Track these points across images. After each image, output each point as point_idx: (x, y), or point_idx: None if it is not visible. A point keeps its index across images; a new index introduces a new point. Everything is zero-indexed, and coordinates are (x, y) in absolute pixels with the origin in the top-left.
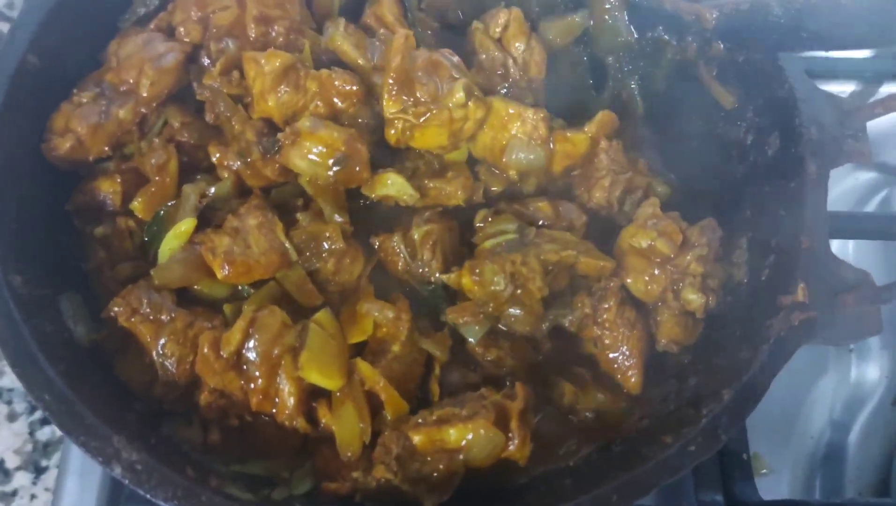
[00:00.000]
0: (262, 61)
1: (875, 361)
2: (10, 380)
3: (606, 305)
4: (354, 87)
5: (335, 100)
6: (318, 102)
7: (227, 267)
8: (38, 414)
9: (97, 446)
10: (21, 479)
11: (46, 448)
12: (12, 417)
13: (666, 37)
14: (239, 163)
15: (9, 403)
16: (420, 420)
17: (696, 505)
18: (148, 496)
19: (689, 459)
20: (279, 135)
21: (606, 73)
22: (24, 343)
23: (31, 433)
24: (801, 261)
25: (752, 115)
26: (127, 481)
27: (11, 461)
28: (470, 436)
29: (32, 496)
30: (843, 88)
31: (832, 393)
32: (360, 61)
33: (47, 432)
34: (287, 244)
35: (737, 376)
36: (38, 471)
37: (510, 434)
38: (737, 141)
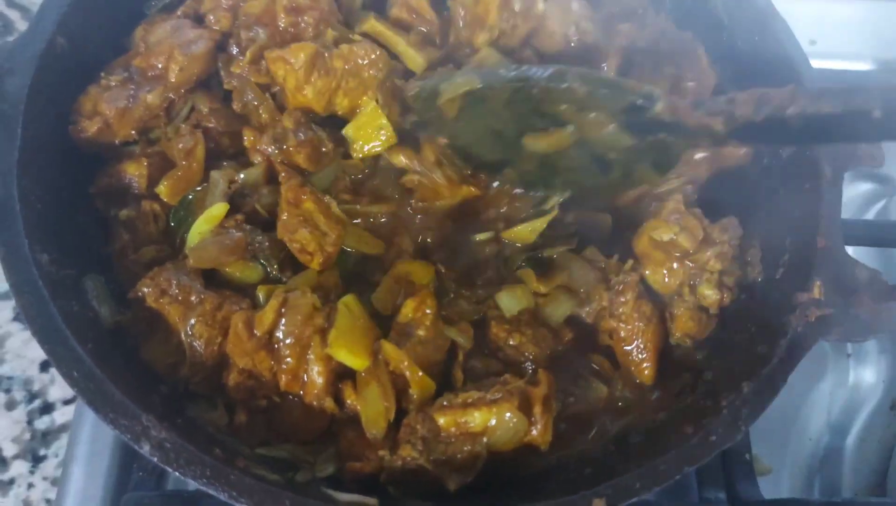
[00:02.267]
0: (290, 58)
1: (873, 365)
2: (10, 368)
3: (623, 299)
4: (377, 52)
5: (363, 72)
6: (348, 80)
7: (323, 262)
8: (36, 403)
9: (126, 424)
10: (19, 467)
11: (45, 437)
12: (11, 405)
13: (672, 140)
14: (272, 148)
15: (7, 391)
16: (445, 403)
17: (700, 502)
18: (177, 474)
19: (709, 448)
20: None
21: (611, 165)
22: (52, 321)
23: (30, 422)
24: (816, 260)
25: None
26: (156, 460)
27: (9, 450)
28: (494, 420)
29: (30, 485)
30: None
31: (830, 397)
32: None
33: (46, 421)
34: (344, 217)
35: (755, 370)
36: (37, 460)
37: (533, 419)
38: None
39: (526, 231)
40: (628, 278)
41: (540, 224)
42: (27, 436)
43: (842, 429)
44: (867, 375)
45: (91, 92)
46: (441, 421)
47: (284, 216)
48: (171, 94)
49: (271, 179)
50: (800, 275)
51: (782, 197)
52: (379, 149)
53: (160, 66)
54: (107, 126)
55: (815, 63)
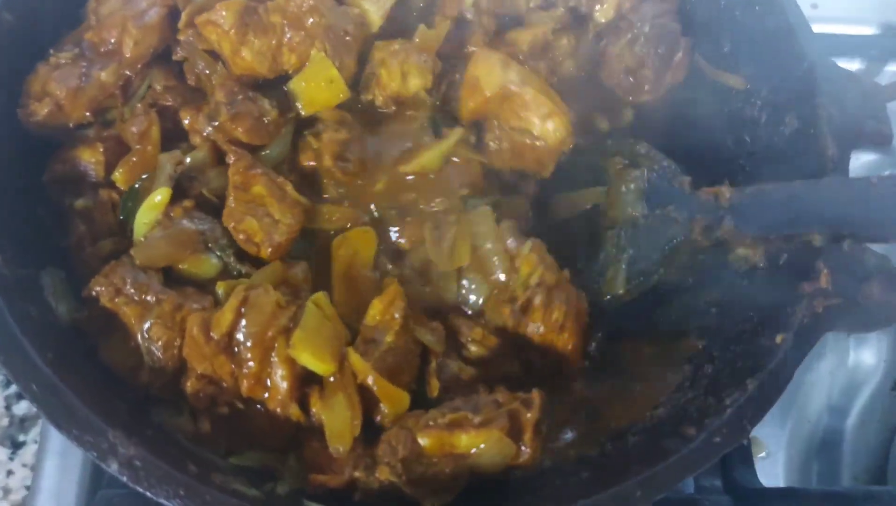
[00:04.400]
0: (219, 20)
1: (873, 346)
2: None
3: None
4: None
5: (304, 21)
6: (290, 34)
7: (272, 252)
8: (13, 388)
9: (91, 441)
10: None
11: (24, 423)
12: None
13: (675, 215)
14: (208, 127)
15: None
16: (430, 422)
17: (695, 490)
18: (148, 495)
19: (714, 451)
20: None
21: (600, 247)
22: (7, 328)
23: (8, 407)
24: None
25: (767, 93)
26: (125, 479)
27: None
28: (482, 445)
29: (9, 472)
30: (848, 66)
31: (830, 378)
32: None
33: (24, 407)
34: (303, 199)
35: (759, 365)
36: (16, 446)
37: (523, 447)
38: (751, 120)
39: (433, 156)
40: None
41: (446, 145)
42: (5, 422)
43: (841, 410)
44: (867, 355)
45: (40, 71)
46: (424, 442)
47: (231, 202)
48: (126, 71)
49: (222, 159)
50: (805, 262)
51: (786, 177)
52: (330, 104)
53: (113, 40)
54: (58, 108)
55: (817, 27)
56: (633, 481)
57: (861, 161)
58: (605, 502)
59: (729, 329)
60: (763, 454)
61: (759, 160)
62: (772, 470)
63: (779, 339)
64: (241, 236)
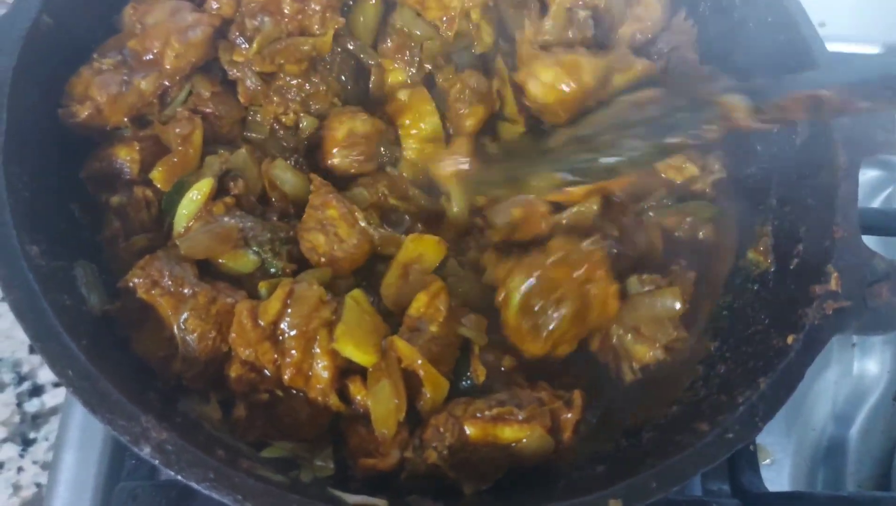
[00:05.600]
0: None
1: (877, 355)
2: None
3: None
4: None
5: None
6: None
7: (325, 262)
8: (25, 385)
9: (124, 425)
10: (8, 451)
11: (35, 420)
12: None
13: None
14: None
15: None
16: (478, 413)
17: (703, 494)
18: (179, 478)
19: (726, 446)
20: None
21: None
22: (44, 317)
23: (19, 404)
24: (833, 250)
25: None
26: (157, 462)
27: None
28: (524, 440)
29: (20, 469)
30: None
31: (835, 386)
32: None
33: (36, 404)
34: (372, 230)
35: (771, 365)
36: (26, 443)
37: (561, 444)
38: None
39: None
40: None
41: None
42: (17, 419)
43: (846, 419)
44: (871, 365)
45: (83, 74)
46: (470, 431)
47: (305, 217)
48: (165, 81)
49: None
50: (815, 266)
51: (795, 184)
52: None
53: (156, 50)
54: (98, 112)
55: None
56: (648, 473)
57: (866, 176)
58: (622, 493)
59: (741, 331)
60: (769, 461)
61: (770, 167)
62: (777, 477)
63: (790, 339)
64: (306, 244)
